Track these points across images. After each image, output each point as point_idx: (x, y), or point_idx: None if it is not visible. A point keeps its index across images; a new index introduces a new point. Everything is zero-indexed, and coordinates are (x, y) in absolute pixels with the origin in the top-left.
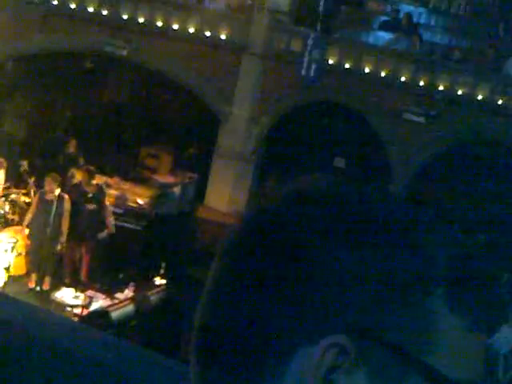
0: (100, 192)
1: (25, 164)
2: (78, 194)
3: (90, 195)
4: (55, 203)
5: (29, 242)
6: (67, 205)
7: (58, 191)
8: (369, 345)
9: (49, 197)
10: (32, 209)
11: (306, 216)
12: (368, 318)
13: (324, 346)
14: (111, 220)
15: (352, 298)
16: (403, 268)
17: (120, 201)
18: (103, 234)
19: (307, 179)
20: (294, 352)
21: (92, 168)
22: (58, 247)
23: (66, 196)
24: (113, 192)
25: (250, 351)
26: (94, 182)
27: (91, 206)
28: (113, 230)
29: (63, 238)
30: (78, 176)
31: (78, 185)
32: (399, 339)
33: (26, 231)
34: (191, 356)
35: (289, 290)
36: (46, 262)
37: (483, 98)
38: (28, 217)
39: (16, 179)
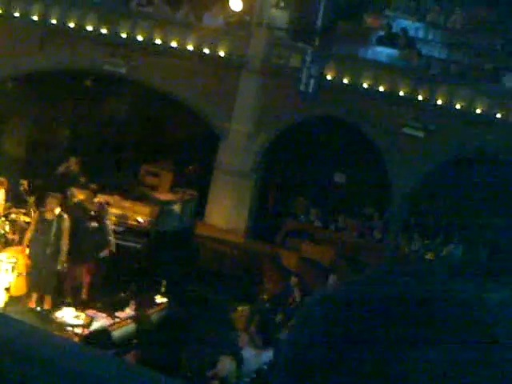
0: (101, 210)
1: (25, 183)
2: (79, 213)
3: (92, 213)
4: (55, 222)
5: (29, 262)
6: (66, 224)
7: (58, 210)
8: None
9: (49, 216)
10: (31, 228)
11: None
12: None
13: None
14: (112, 238)
15: None
16: None
17: (120, 219)
18: (104, 253)
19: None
20: None
21: (94, 187)
22: (59, 266)
23: (66, 215)
24: (113, 210)
25: None
26: (96, 200)
27: (93, 225)
28: (113, 248)
29: (63, 257)
30: (79, 195)
31: (80, 203)
32: None
33: (27, 251)
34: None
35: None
36: (47, 281)
37: (482, 112)
38: (28, 236)
39: (16, 199)
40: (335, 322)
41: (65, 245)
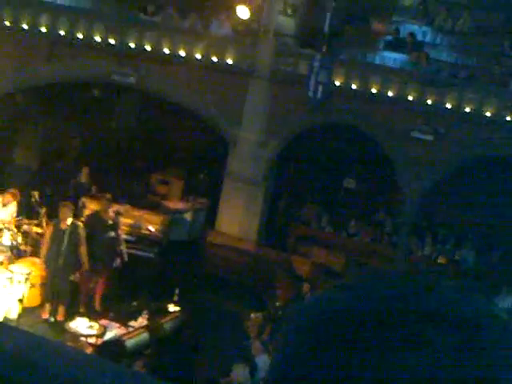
0: (116, 220)
1: (36, 194)
2: (95, 223)
3: (110, 223)
4: (68, 231)
5: (45, 273)
6: (82, 232)
7: (70, 220)
8: None
9: (63, 226)
10: (46, 239)
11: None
12: None
13: None
14: (123, 248)
15: None
16: None
17: (132, 228)
18: (117, 262)
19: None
20: None
21: (109, 196)
22: (72, 277)
23: (80, 223)
24: (124, 220)
25: None
26: (111, 209)
27: (111, 234)
28: (125, 258)
29: (85, 266)
30: (90, 205)
31: (96, 213)
32: None
33: (43, 262)
34: None
35: None
36: (60, 291)
37: (491, 115)
38: (44, 248)
39: (28, 210)
40: (308, 332)
41: (84, 254)
